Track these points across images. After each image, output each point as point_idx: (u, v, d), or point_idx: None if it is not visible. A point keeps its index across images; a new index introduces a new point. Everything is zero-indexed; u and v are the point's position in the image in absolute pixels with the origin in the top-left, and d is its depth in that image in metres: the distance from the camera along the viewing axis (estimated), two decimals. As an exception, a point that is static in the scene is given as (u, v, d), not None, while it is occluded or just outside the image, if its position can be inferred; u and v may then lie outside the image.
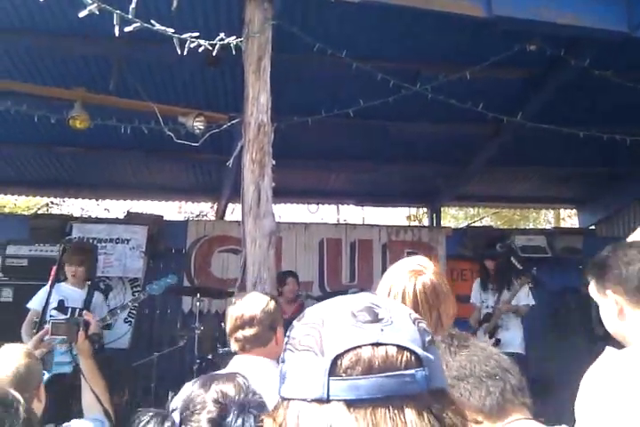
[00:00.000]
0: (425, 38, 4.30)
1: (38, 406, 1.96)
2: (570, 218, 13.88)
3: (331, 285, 7.00)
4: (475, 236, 7.19)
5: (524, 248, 6.92)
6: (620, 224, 7.79)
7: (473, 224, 11.75)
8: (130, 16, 1.97)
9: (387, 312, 0.68)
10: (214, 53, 2.28)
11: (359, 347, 0.64)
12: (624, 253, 1.52)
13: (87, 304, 4.32)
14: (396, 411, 0.62)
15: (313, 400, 0.64)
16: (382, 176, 7.09)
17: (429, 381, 0.64)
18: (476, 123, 5.41)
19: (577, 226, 9.24)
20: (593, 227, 8.12)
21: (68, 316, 4.24)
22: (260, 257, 3.36)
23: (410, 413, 0.62)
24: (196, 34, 2.18)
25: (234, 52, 2.63)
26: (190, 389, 1.26)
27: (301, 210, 8.43)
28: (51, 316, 4.19)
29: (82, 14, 1.99)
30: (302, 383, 0.66)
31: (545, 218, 15.58)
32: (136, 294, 6.49)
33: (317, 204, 8.23)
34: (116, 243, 6.30)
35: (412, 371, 0.64)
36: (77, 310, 4.28)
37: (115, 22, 1.94)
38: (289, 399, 0.67)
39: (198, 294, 5.52)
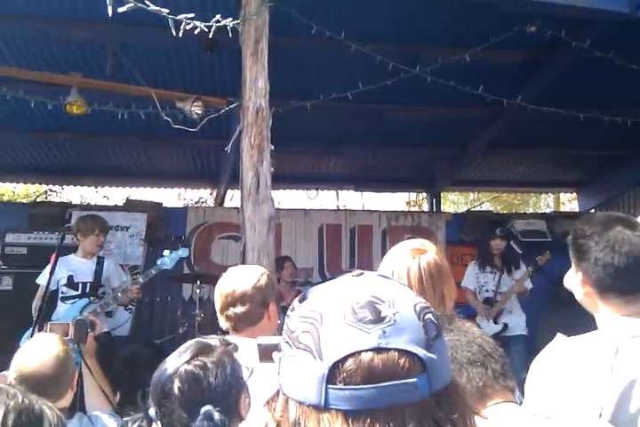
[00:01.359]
0: (424, 20, 4.25)
1: (70, 395, 1.97)
2: (570, 202, 13.86)
3: (331, 271, 7.00)
4: (474, 221, 7.19)
5: (525, 233, 6.93)
6: (619, 208, 7.77)
7: (473, 209, 11.73)
8: (123, -4, 1.93)
9: (390, 309, 0.64)
10: (210, 36, 2.24)
11: (359, 353, 0.61)
12: (605, 246, 1.42)
13: (98, 276, 4.31)
14: (396, 422, 0.60)
15: (310, 405, 0.62)
16: (381, 161, 7.06)
17: (432, 385, 0.62)
18: (475, 106, 5.37)
19: (577, 210, 9.23)
20: (593, 211, 8.10)
21: (79, 291, 4.27)
22: (260, 243, 3.35)
23: (411, 423, 0.60)
24: (192, 15, 2.13)
25: (230, 35, 2.59)
26: (155, 377, 1.33)
27: (301, 196, 8.41)
28: (62, 293, 4.23)
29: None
30: (300, 386, 0.64)
31: (545, 202, 15.56)
32: (136, 277, 6.52)
33: (316, 189, 8.20)
34: (116, 230, 6.29)
35: (413, 379, 0.61)
36: (88, 284, 4.29)
37: (108, 2, 1.90)
38: (287, 396, 0.65)
39: (198, 281, 5.53)
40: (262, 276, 2.14)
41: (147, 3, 2.06)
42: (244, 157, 3.43)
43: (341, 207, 10.31)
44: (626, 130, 4.76)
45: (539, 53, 4.71)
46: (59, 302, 4.25)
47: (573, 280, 1.51)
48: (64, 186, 9.41)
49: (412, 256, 1.79)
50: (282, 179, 7.04)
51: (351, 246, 7.14)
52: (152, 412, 1.32)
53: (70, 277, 4.27)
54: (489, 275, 4.99)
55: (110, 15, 1.89)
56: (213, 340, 1.43)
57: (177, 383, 1.30)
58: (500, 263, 4.99)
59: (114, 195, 9.74)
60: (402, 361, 0.61)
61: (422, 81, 4.21)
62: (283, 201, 9.70)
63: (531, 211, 14.35)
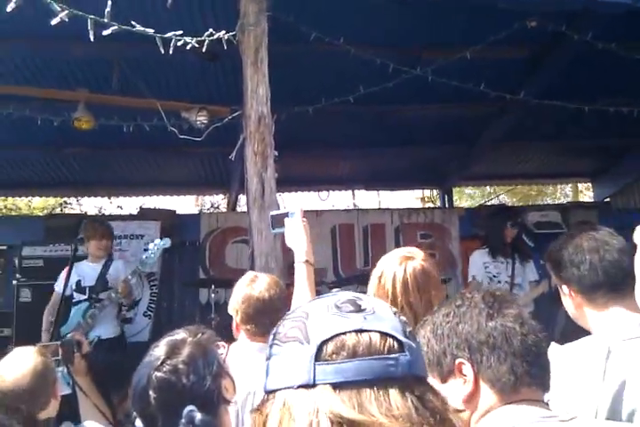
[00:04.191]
0: (423, 22, 4.24)
1: (54, 404, 2.02)
2: (588, 190, 13.71)
3: (345, 270, 7.02)
4: (488, 215, 7.14)
5: (539, 224, 6.86)
6: (635, 196, 7.70)
7: (487, 203, 11.68)
8: (105, 20, 1.97)
9: (369, 304, 0.70)
10: (204, 50, 2.27)
11: (343, 334, 0.67)
12: (575, 249, 1.51)
13: (101, 279, 4.38)
14: (380, 392, 0.64)
15: (300, 386, 0.66)
16: (391, 160, 7.06)
17: (412, 366, 0.67)
18: (481, 102, 5.34)
19: (593, 199, 9.15)
20: (608, 200, 8.02)
21: (86, 296, 4.36)
22: (267, 248, 3.38)
23: (394, 394, 0.64)
24: (180, 32, 2.16)
25: (225, 47, 2.62)
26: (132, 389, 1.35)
27: (313, 198, 8.45)
28: (73, 298, 4.33)
29: (54, 22, 1.99)
30: (288, 372, 0.68)
31: (562, 192, 15.39)
32: (153, 287, 6.62)
33: (328, 191, 8.23)
34: (131, 239, 6.39)
35: (395, 355, 0.66)
36: (90, 288, 4.37)
37: (89, 27, 1.94)
38: (274, 391, 0.68)
39: (213, 286, 5.58)
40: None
41: (133, 23, 2.09)
42: (248, 164, 3.47)
43: (356, 207, 10.33)
44: (634, 119, 4.71)
45: (541, 48, 4.68)
46: (72, 307, 4.38)
47: (565, 299, 1.54)
48: (79, 198, 9.54)
49: (399, 262, 1.83)
50: (293, 182, 7.12)
51: (364, 245, 7.15)
52: (138, 423, 1.34)
53: (78, 282, 4.39)
54: (500, 265, 4.49)
55: (92, 38, 1.92)
56: (181, 334, 1.41)
57: (151, 393, 1.29)
58: (512, 252, 4.52)
59: (128, 204, 9.88)
60: (383, 341, 0.67)
61: (425, 81, 4.21)
62: (295, 204, 9.74)
63: (548, 201, 14.23)
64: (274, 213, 2.21)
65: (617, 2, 3.78)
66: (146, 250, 4.27)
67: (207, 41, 2.27)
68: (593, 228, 1.57)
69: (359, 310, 0.69)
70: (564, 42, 4.34)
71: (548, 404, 1.06)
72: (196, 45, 2.28)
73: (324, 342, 0.66)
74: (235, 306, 2.20)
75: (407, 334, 0.69)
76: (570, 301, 1.52)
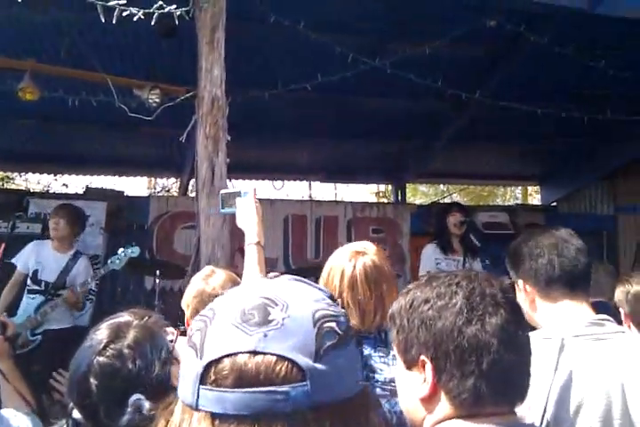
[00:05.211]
0: (385, 12, 4.22)
1: None
2: (538, 193, 14.06)
3: (295, 261, 6.99)
4: (436, 212, 7.23)
5: (488, 224, 7.00)
6: (581, 201, 7.93)
7: (439, 201, 11.82)
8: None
9: (281, 312, 0.61)
10: (153, 23, 2.17)
11: (235, 355, 0.59)
12: (535, 243, 1.55)
13: (63, 275, 4.23)
14: None
15: (187, 405, 0.61)
16: (347, 152, 7.04)
17: (313, 397, 0.58)
18: (437, 99, 5.36)
19: (541, 203, 9.38)
20: (554, 204, 8.24)
21: (42, 288, 4.20)
22: (214, 235, 3.32)
23: None
24: (124, 1, 2.05)
25: (177, 23, 2.52)
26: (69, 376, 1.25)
27: (266, 186, 8.35)
28: (27, 285, 4.18)
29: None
30: (182, 384, 0.63)
31: (512, 194, 15.77)
32: (97, 271, 6.42)
33: (283, 180, 8.15)
34: (76, 219, 6.16)
35: (285, 388, 0.57)
36: (50, 284, 4.21)
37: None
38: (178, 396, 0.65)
39: (158, 272, 5.44)
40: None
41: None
42: (199, 147, 3.39)
43: (310, 198, 10.28)
44: (585, 125, 4.82)
45: (499, 48, 4.73)
46: (24, 293, 4.23)
47: (519, 296, 1.55)
48: (22, 173, 9.18)
49: (349, 258, 1.81)
50: (248, 169, 7.01)
51: (316, 237, 7.13)
52: (76, 414, 1.24)
53: (35, 272, 4.22)
54: (452, 262, 4.59)
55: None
56: (126, 317, 1.31)
57: (93, 380, 1.19)
58: (462, 249, 4.63)
59: (74, 183, 9.54)
60: (278, 367, 0.58)
61: (383, 73, 4.19)
62: (247, 185, 9.62)
63: (499, 202, 14.56)
64: (224, 191, 2.10)
65: (574, 7, 3.86)
66: (114, 254, 4.19)
67: (156, 14, 2.16)
68: (553, 227, 1.60)
69: (264, 322, 0.60)
70: (521, 43, 4.40)
71: (515, 413, 0.97)
72: (142, 17, 2.17)
73: (212, 363, 0.60)
74: (187, 300, 2.18)
75: (321, 353, 0.60)
76: (523, 295, 1.54)
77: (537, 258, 1.51)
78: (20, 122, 5.95)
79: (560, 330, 1.41)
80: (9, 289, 4.25)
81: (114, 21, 2.03)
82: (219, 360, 0.59)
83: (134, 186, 10.59)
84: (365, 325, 1.80)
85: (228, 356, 0.59)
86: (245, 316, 0.61)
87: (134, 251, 4.20)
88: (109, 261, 4.15)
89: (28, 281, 4.21)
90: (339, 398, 0.60)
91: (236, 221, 2.05)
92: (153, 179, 11.30)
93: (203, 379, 0.60)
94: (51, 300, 4.15)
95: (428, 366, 0.95)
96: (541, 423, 1.30)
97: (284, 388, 0.58)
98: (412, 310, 1.00)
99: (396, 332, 1.02)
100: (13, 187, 9.25)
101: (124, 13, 2.07)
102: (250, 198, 2.02)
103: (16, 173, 9.29)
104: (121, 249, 4.19)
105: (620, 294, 2.31)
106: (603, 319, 1.44)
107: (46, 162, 7.24)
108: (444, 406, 0.95)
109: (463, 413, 0.93)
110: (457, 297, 0.96)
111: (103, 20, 2.04)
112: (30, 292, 4.23)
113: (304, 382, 0.58)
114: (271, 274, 0.74)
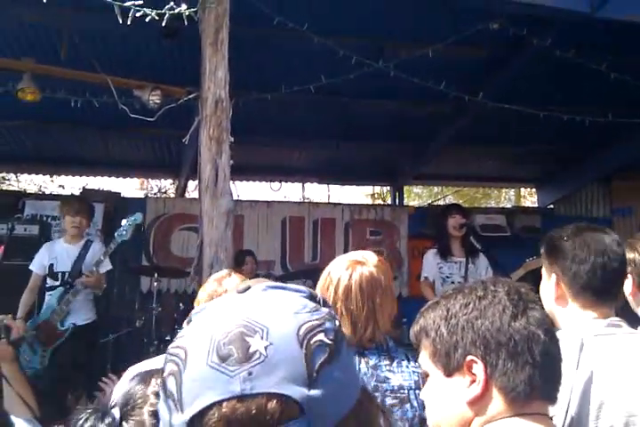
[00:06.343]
0: (389, 15, 4.21)
1: None
2: (530, 196, 14.11)
3: (293, 264, 6.97)
4: (436, 214, 7.23)
5: (484, 227, 7.00)
6: (577, 204, 7.96)
7: (435, 203, 11.85)
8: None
9: (262, 340, 0.55)
10: (164, 24, 2.15)
11: (220, 403, 0.53)
12: (582, 244, 1.49)
13: (78, 263, 4.20)
14: None
15: None
16: (345, 154, 7.03)
17: (314, 426, 0.53)
18: (438, 101, 5.37)
19: (536, 205, 9.41)
20: (551, 206, 8.26)
21: (59, 282, 4.20)
22: (217, 237, 3.29)
23: None
24: (140, 2, 2.03)
25: (186, 23, 2.50)
26: (129, 385, 1.19)
27: (264, 188, 8.34)
28: (46, 283, 4.18)
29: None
30: None
31: (506, 196, 15.82)
32: (108, 247, 6.35)
33: (281, 182, 8.14)
34: (72, 220, 6.11)
35: None
36: (66, 273, 4.21)
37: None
38: None
39: (156, 274, 5.41)
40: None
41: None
42: (203, 149, 3.35)
43: (307, 200, 10.28)
44: (584, 128, 4.83)
45: (501, 51, 4.74)
46: (45, 294, 4.26)
47: (546, 285, 1.53)
48: (18, 174, 9.12)
49: (346, 266, 1.79)
50: (246, 170, 6.98)
51: (314, 239, 7.11)
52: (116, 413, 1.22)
53: (51, 267, 4.22)
54: (454, 265, 4.59)
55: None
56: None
57: None
58: (462, 253, 4.62)
59: (70, 184, 9.49)
60: (271, 407, 0.52)
61: (386, 75, 4.19)
62: (246, 193, 9.61)
63: (493, 204, 14.60)
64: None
65: (576, 10, 3.87)
66: (119, 227, 4.15)
67: (167, 15, 2.15)
68: (604, 230, 1.54)
69: (245, 357, 0.54)
70: (524, 47, 4.41)
71: (552, 418, 1.01)
72: (156, 18, 2.15)
73: (196, 417, 0.53)
74: (200, 300, 2.16)
75: (314, 375, 0.54)
76: (553, 289, 1.51)
77: (580, 262, 1.47)
78: (15, 123, 5.90)
79: (580, 330, 1.42)
80: (28, 294, 4.24)
81: (129, 22, 2.00)
82: (203, 412, 0.53)
83: (125, 187, 10.51)
84: (357, 337, 1.76)
85: (212, 406, 0.53)
86: (222, 352, 0.54)
87: (137, 218, 4.19)
88: (116, 234, 4.09)
89: (48, 280, 4.23)
90: (342, 414, 0.56)
91: None
92: (145, 180, 11.24)
93: None
94: (70, 288, 4.13)
95: (479, 365, 0.96)
96: (564, 422, 1.31)
97: None
98: (450, 316, 1.01)
99: (432, 343, 1.02)
100: (9, 188, 9.18)
101: (138, 14, 2.04)
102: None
103: (11, 174, 9.23)
104: (124, 220, 4.16)
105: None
106: (620, 321, 1.46)
107: (42, 163, 7.19)
108: (495, 403, 0.96)
109: (515, 409, 0.95)
110: (499, 295, 1.01)
111: (120, 21, 2.01)
112: (49, 289, 4.24)
113: (303, 416, 0.53)
114: (242, 286, 0.67)
